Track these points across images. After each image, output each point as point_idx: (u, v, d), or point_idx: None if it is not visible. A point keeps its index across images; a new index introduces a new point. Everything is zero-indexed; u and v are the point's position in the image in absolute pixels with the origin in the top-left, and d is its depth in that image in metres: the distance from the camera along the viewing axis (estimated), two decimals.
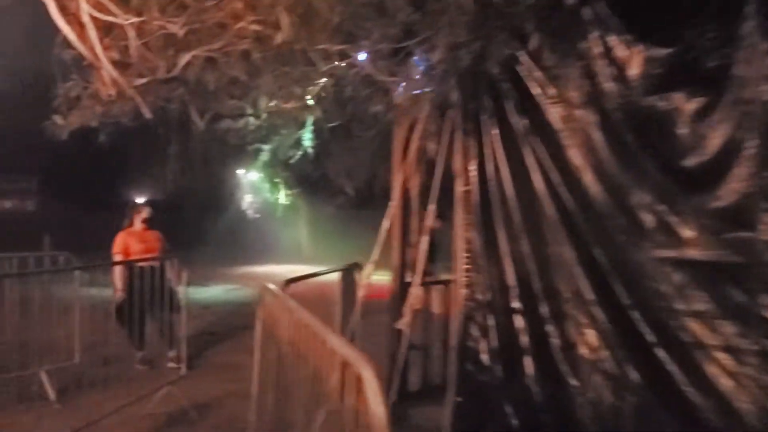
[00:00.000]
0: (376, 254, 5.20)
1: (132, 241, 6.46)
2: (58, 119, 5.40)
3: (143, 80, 4.78)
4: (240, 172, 19.33)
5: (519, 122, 4.11)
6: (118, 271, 6.23)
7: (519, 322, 4.11)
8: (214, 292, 12.89)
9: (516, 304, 4.13)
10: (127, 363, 6.17)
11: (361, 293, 5.23)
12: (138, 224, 6.61)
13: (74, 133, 5.55)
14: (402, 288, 5.14)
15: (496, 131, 4.26)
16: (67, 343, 5.90)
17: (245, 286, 13.87)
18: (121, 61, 4.58)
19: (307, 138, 12.36)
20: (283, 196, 18.47)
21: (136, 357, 6.39)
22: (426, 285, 5.09)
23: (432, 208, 4.81)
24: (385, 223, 5.17)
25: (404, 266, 5.23)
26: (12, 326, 5.60)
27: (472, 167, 4.40)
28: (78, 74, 5.04)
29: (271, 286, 3.76)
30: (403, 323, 4.81)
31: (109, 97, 4.93)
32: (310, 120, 12.93)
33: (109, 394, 5.31)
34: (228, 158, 17.44)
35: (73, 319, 5.90)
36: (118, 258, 6.39)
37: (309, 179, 16.60)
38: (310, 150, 12.69)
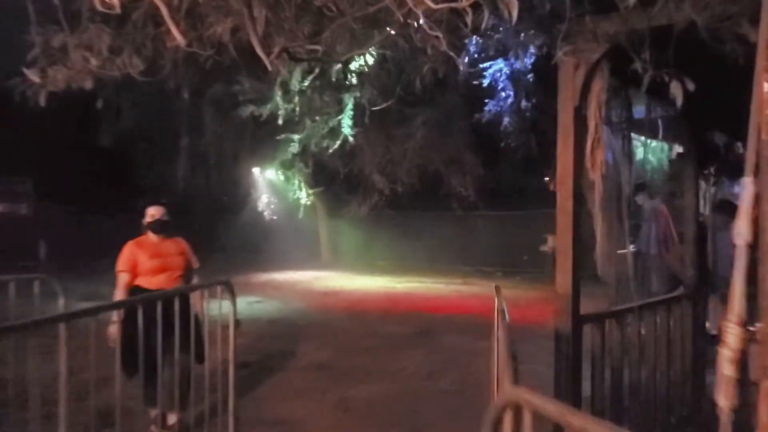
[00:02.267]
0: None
1: (143, 255, 4.62)
2: (32, 75, 3.69)
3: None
4: (256, 170, 17.55)
5: None
6: (118, 298, 4.44)
7: None
8: None
9: None
10: (136, 419, 4.34)
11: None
12: (149, 232, 4.77)
13: (71, 126, 3.75)
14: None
15: None
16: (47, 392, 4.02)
17: (269, 298, 12.08)
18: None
19: (347, 125, 10.61)
20: (304, 196, 16.69)
21: (150, 416, 4.55)
22: None
23: None
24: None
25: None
26: None
27: None
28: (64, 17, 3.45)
29: None
30: None
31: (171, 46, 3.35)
32: (350, 103, 11.25)
33: None
34: (243, 154, 15.71)
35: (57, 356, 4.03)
36: (123, 278, 4.57)
37: (337, 176, 14.84)
38: (351, 138, 10.91)
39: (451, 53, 3.48)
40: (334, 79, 8.43)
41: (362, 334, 8.42)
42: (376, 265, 17.35)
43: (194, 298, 4.46)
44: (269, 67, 3.01)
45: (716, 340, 4.74)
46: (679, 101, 2.56)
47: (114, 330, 4.10)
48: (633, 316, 3.66)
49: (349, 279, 15.14)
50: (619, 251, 7.09)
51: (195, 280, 4.89)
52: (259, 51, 2.89)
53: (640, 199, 7.66)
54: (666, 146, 8.94)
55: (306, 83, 9.50)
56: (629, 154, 3.93)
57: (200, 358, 4.25)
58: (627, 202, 7.09)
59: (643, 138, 6.71)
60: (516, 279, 15.00)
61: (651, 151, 8.54)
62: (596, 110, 3.09)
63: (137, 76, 3.82)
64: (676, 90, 2.52)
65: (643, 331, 3.95)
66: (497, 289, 3.38)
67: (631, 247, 7.61)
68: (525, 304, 10.99)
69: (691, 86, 2.53)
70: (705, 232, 5.10)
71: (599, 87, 3.08)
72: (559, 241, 3.15)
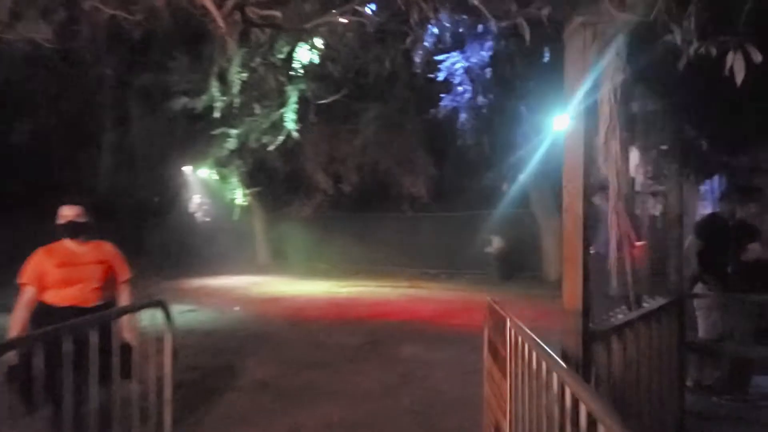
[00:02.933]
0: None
1: (50, 263, 3.81)
2: None
3: None
4: (188, 168, 16.45)
5: None
6: (18, 318, 3.64)
7: None
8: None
9: None
10: None
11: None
12: (64, 236, 3.96)
13: None
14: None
15: None
16: None
17: (203, 306, 11.19)
18: None
19: (290, 119, 9.83)
20: (240, 196, 15.78)
21: None
22: None
23: None
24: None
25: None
26: None
27: None
28: None
29: None
30: None
31: None
32: (294, 95, 10.49)
33: None
34: (174, 151, 14.62)
35: None
36: (27, 293, 3.75)
37: (277, 175, 14.01)
38: (294, 133, 10.12)
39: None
40: (279, 63, 7.72)
41: (308, 346, 7.77)
42: (318, 269, 16.66)
43: (122, 322, 3.71)
44: (221, 25, 2.37)
45: (701, 346, 4.43)
46: (740, 78, 2.12)
47: (12, 357, 3.29)
48: (631, 330, 3.24)
49: (289, 284, 14.40)
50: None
51: (126, 296, 4.11)
52: (209, 3, 2.24)
53: (597, 199, 7.40)
54: None
55: (246, 74, 8.73)
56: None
57: (126, 374, 3.51)
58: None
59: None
60: (462, 281, 14.74)
61: None
62: (610, 93, 2.62)
63: (45, 43, 3.05)
64: (737, 64, 2.08)
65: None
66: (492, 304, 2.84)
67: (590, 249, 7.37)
68: (475, 308, 10.60)
69: (757, 57, 2.09)
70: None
71: (614, 67, 2.62)
72: (567, 249, 2.67)
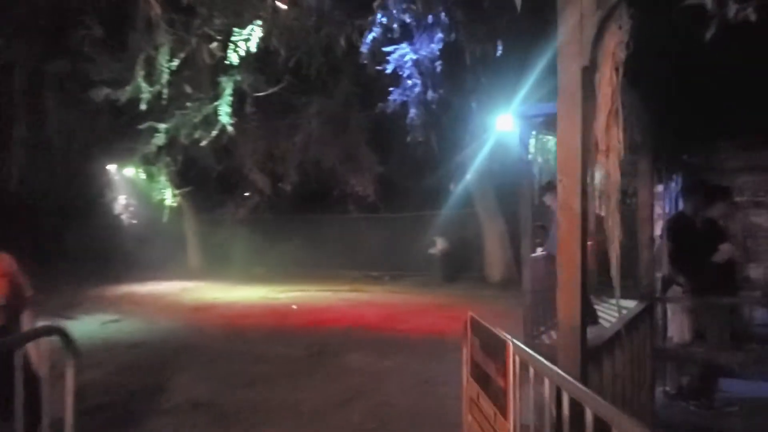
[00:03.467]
0: None
1: None
2: None
3: None
4: (112, 167, 15.33)
5: None
6: None
7: None
8: (85, 327, 9.18)
9: None
10: None
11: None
12: None
13: None
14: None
15: None
16: None
17: (128, 315, 10.31)
18: None
19: (225, 112, 9.06)
20: (169, 197, 14.82)
21: None
22: None
23: None
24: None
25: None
26: None
27: None
28: None
29: None
30: None
31: None
32: (229, 87, 9.72)
33: None
34: (97, 147, 13.51)
35: None
36: None
37: (210, 174, 13.16)
38: (229, 128, 9.35)
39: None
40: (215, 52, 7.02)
41: (247, 358, 7.16)
42: (254, 274, 15.91)
43: (29, 349, 3.06)
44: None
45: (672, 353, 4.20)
46: None
47: None
48: (620, 342, 2.92)
49: (223, 290, 13.61)
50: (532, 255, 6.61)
51: (28, 317, 3.44)
52: None
53: (548, 199, 7.20)
54: None
55: (176, 61, 7.97)
56: None
57: (33, 416, 2.86)
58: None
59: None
60: (405, 283, 14.43)
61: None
62: (612, 72, 2.27)
63: None
64: None
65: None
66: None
67: (539, 251, 7.15)
68: (422, 311, 10.35)
69: None
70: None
71: (616, 41, 2.26)
72: (563, 253, 2.29)
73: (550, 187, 7.33)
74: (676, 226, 4.71)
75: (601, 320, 6.84)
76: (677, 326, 4.74)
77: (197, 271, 17.40)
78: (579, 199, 2.28)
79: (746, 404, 4.64)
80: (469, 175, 11.71)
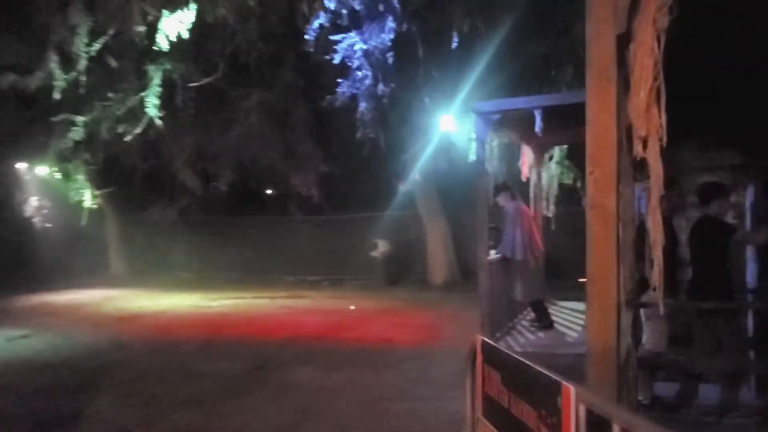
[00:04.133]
0: None
1: None
2: None
3: None
4: (21, 165, 13.95)
5: None
6: None
7: None
8: None
9: None
10: None
11: None
12: None
13: None
14: None
15: None
16: None
17: (41, 330, 9.25)
18: None
19: (152, 104, 8.19)
20: (89, 198, 13.64)
21: None
22: None
23: None
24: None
25: None
26: None
27: None
28: None
29: None
30: None
31: None
32: (157, 76, 8.80)
33: None
34: (3, 142, 12.18)
35: None
36: None
37: (134, 173, 12.12)
38: (158, 121, 8.47)
39: None
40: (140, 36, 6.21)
41: (178, 376, 6.43)
42: (184, 280, 14.92)
43: None
44: None
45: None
46: None
47: None
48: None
49: (149, 298, 12.62)
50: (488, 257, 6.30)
51: None
52: None
53: (502, 200, 6.92)
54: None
55: (96, 46, 7.07)
56: None
57: None
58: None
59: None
60: (345, 288, 13.91)
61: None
62: (652, 42, 1.86)
63: None
64: None
65: None
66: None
67: (493, 253, 6.84)
68: (367, 318, 9.88)
69: None
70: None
71: (658, 4, 1.86)
72: (593, 262, 1.87)
73: (503, 187, 7.07)
74: None
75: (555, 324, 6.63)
76: (651, 333, 4.50)
77: (121, 278, 16.27)
78: (614, 196, 1.86)
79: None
80: (414, 175, 11.34)
